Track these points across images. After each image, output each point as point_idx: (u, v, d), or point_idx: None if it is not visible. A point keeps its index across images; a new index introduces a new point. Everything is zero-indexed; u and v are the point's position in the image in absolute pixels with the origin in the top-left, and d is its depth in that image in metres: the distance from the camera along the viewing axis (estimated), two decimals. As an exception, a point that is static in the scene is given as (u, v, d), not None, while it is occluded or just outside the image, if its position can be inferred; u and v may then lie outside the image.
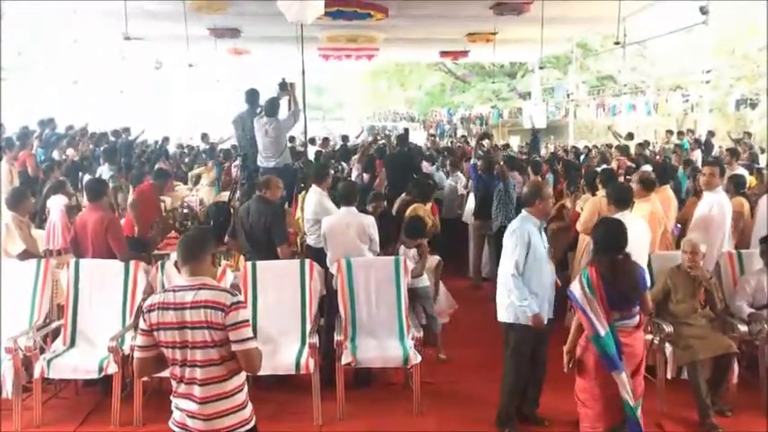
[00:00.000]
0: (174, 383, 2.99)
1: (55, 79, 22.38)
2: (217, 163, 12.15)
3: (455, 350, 6.29)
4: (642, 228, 4.88)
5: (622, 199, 4.85)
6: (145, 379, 4.89)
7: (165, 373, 3.06)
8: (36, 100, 20.74)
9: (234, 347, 2.87)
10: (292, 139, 8.94)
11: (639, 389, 3.95)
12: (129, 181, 10.62)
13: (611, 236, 3.97)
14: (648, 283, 4.23)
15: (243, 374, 3.01)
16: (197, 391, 2.91)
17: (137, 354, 3.01)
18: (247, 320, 2.90)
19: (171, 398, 3.01)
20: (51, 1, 12.48)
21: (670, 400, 5.09)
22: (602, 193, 6.32)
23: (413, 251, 6.17)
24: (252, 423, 3.05)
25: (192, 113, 27.81)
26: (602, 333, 3.78)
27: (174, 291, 2.93)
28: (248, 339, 2.88)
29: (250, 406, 3.06)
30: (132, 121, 18.11)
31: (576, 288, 3.91)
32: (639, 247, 4.74)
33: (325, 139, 17.04)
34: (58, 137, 12.49)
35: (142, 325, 2.95)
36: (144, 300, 5.27)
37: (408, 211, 7.26)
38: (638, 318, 3.96)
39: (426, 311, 6.16)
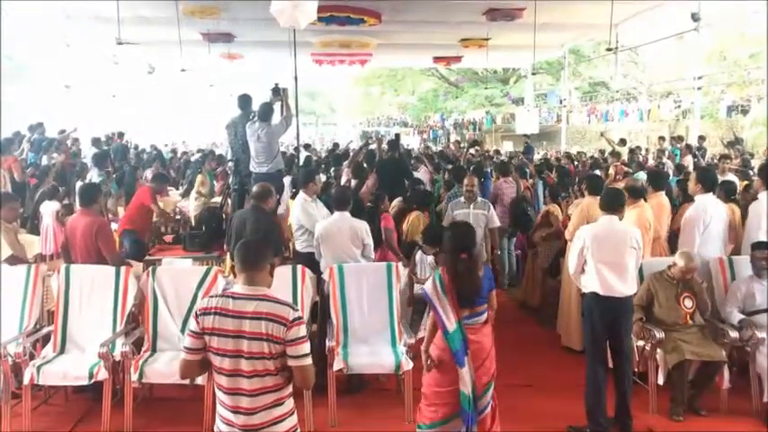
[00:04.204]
0: (220, 394, 2.90)
1: (47, 83, 22.36)
2: (210, 173, 12.13)
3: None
4: (618, 233, 4.89)
5: (611, 203, 4.86)
6: (135, 385, 4.88)
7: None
8: (28, 104, 20.70)
9: (290, 362, 2.81)
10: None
11: (485, 378, 4.07)
12: (124, 187, 10.66)
13: (457, 237, 4.12)
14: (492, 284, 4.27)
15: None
16: (246, 402, 2.83)
17: (184, 356, 2.90)
18: (306, 337, 2.84)
19: (218, 409, 2.94)
20: (44, 2, 12.44)
21: (661, 405, 5.12)
22: (589, 199, 6.32)
23: (430, 258, 6.14)
24: (299, 429, 3.03)
25: (185, 118, 27.82)
26: (450, 329, 3.98)
27: (232, 297, 2.85)
28: (305, 356, 2.82)
29: (296, 412, 3.04)
30: (125, 125, 18.12)
31: (428, 287, 4.08)
32: (630, 251, 4.76)
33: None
34: (49, 141, 12.45)
35: (193, 327, 2.85)
36: (135, 305, 5.29)
37: (411, 219, 7.28)
38: (485, 315, 4.13)
39: None
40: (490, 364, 4.13)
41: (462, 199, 7.25)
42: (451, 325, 3.97)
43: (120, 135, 15.74)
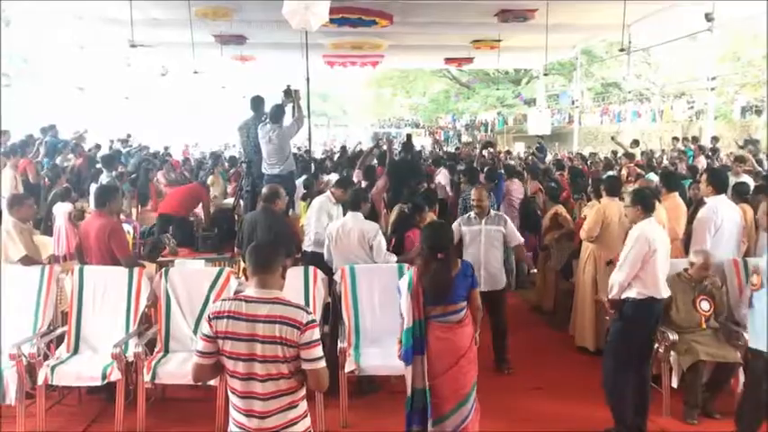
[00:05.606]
0: (233, 398, 2.89)
1: (60, 85, 22.48)
2: (222, 172, 12.17)
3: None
4: (663, 234, 4.87)
5: (649, 204, 4.82)
6: (148, 386, 4.90)
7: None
8: (41, 107, 20.83)
9: (304, 366, 2.81)
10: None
11: (462, 379, 4.09)
12: (138, 188, 10.72)
13: (431, 237, 4.16)
14: (473, 283, 4.25)
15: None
16: (260, 405, 2.83)
17: (196, 359, 2.89)
18: (319, 340, 2.84)
19: (231, 413, 2.94)
20: (57, 1, 12.53)
21: (674, 408, 5.08)
22: (606, 200, 6.29)
23: None
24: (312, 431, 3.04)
25: (197, 120, 27.90)
26: (405, 326, 4.08)
27: (245, 301, 2.84)
28: (319, 359, 2.82)
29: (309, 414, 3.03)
30: (137, 127, 18.20)
31: (402, 283, 4.17)
32: (663, 252, 4.73)
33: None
34: (64, 143, 12.54)
35: (207, 331, 2.84)
36: (148, 306, 5.30)
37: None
38: (462, 313, 4.12)
39: None
40: (469, 369, 4.11)
41: (473, 214, 6.09)
42: (408, 322, 4.06)
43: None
